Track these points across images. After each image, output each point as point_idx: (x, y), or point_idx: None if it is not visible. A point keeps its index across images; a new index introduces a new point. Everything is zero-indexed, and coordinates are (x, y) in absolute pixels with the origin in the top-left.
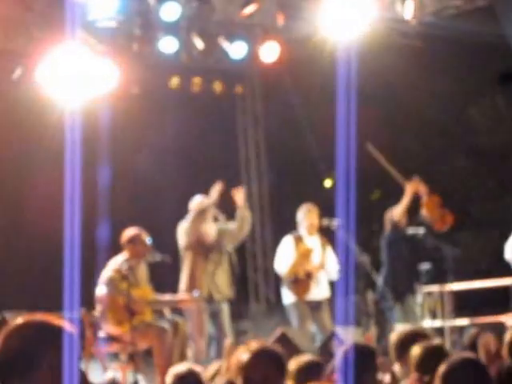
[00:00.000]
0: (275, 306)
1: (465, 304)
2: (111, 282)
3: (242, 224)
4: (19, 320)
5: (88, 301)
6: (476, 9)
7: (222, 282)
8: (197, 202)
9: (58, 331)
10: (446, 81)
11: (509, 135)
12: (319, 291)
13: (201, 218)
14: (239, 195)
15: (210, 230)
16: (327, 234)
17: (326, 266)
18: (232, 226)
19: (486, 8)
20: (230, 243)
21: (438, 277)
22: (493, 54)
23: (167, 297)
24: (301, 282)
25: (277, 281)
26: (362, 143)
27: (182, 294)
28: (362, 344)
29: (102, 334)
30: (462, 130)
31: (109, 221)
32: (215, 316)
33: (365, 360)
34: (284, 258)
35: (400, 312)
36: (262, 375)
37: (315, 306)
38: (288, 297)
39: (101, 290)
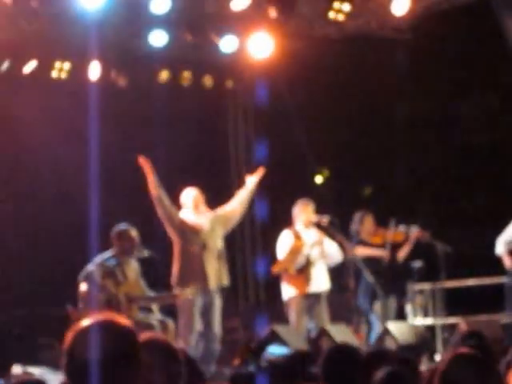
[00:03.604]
0: (265, 303)
1: (457, 302)
2: (93, 278)
3: (239, 204)
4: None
5: (74, 297)
6: (469, 4)
7: (213, 273)
8: (188, 194)
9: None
10: (436, 76)
11: (500, 132)
12: (319, 284)
13: (192, 208)
14: (257, 175)
15: (203, 219)
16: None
17: (326, 257)
18: (226, 209)
19: (478, 3)
20: (222, 228)
21: (430, 274)
22: (485, 49)
23: (158, 294)
24: (299, 276)
25: (268, 277)
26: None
27: (173, 290)
28: (346, 345)
29: None
30: (453, 127)
31: (100, 215)
32: (206, 311)
33: (348, 360)
34: (281, 252)
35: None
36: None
37: (314, 301)
38: (287, 291)
39: (83, 286)
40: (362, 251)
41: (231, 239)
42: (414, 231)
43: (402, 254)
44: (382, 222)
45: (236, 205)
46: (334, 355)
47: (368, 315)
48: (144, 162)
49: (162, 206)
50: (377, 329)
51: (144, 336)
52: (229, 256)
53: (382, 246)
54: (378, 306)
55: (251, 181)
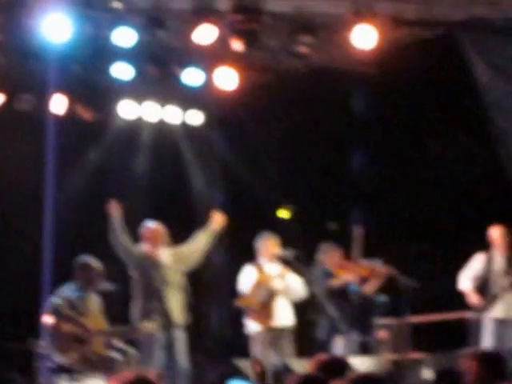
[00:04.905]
0: (230, 338)
1: (423, 337)
2: (57, 310)
3: (200, 245)
4: None
5: (36, 330)
6: (434, 37)
7: (175, 308)
8: (149, 228)
9: None
10: (401, 109)
11: (465, 166)
12: (282, 318)
13: (152, 243)
14: (219, 219)
15: (163, 254)
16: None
17: (288, 292)
18: (187, 247)
19: (445, 36)
20: (183, 265)
21: (395, 309)
22: (451, 83)
23: (119, 327)
24: (263, 310)
25: (231, 312)
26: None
27: (135, 324)
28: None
29: (50, 364)
30: (419, 160)
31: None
32: (170, 346)
33: None
34: (245, 287)
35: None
36: None
37: (278, 335)
38: (251, 326)
39: (46, 319)
40: (334, 283)
41: (196, 272)
42: (379, 266)
43: (370, 288)
44: (348, 256)
45: (196, 246)
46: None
47: (330, 349)
48: (113, 208)
49: (120, 250)
50: None
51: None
52: (194, 289)
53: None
54: (340, 340)
55: (212, 229)
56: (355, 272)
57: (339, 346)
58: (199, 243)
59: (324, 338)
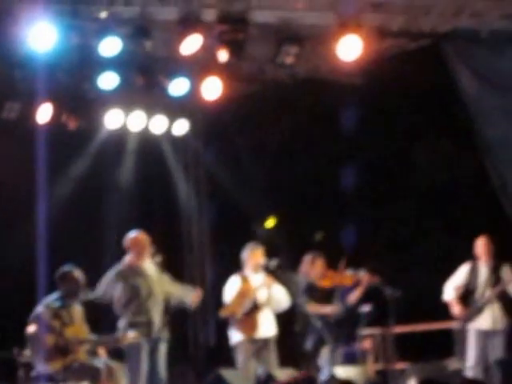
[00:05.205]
0: (215, 348)
1: (407, 347)
2: (41, 320)
3: (174, 291)
4: None
5: (21, 339)
6: (420, 48)
7: (159, 320)
8: (135, 239)
9: None
10: (388, 120)
11: (451, 176)
12: (266, 329)
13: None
14: (196, 298)
15: (148, 266)
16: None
17: (272, 302)
18: (169, 282)
19: (431, 47)
20: (164, 291)
21: (379, 319)
22: (437, 93)
23: (102, 336)
24: (246, 320)
25: (217, 322)
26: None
27: (119, 334)
28: None
29: (34, 373)
30: (406, 170)
31: (48, 258)
32: (153, 357)
33: None
34: (229, 297)
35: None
36: None
37: (262, 345)
38: (235, 336)
39: (31, 328)
40: (312, 309)
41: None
42: (363, 275)
43: (353, 298)
44: (333, 266)
45: (172, 289)
46: None
47: (315, 360)
48: None
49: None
50: (325, 373)
51: None
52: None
53: (330, 289)
54: (326, 350)
55: (187, 299)
56: (337, 281)
57: (325, 356)
58: (174, 290)
59: (310, 348)
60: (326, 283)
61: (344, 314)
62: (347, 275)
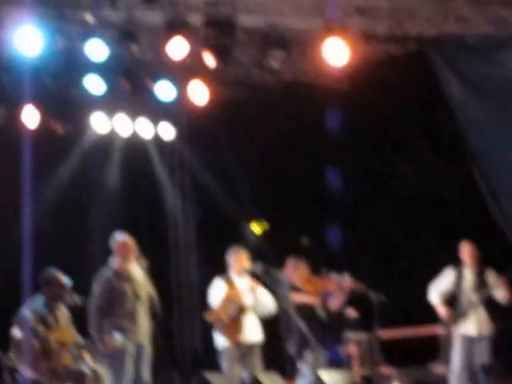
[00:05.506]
0: (202, 351)
1: (392, 352)
2: (26, 324)
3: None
4: None
5: (5, 342)
6: (406, 54)
7: (144, 325)
8: (117, 240)
9: None
10: (374, 125)
11: (436, 183)
12: (251, 334)
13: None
14: None
15: (135, 269)
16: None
17: (258, 307)
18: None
19: (417, 53)
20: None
21: (365, 324)
22: (425, 99)
23: (88, 341)
24: (232, 325)
25: (202, 325)
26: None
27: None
28: None
29: (19, 377)
30: (391, 176)
31: (34, 261)
32: (137, 361)
33: None
34: (215, 301)
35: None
36: None
37: (247, 350)
38: (220, 340)
39: (15, 332)
40: (295, 298)
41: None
42: (346, 280)
43: (335, 302)
44: (319, 271)
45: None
46: None
47: (298, 363)
48: None
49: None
50: (307, 377)
51: None
52: (165, 303)
53: (314, 293)
54: (310, 354)
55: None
56: (320, 286)
57: (309, 361)
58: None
59: (294, 353)
60: (309, 288)
61: (328, 319)
62: (329, 280)
